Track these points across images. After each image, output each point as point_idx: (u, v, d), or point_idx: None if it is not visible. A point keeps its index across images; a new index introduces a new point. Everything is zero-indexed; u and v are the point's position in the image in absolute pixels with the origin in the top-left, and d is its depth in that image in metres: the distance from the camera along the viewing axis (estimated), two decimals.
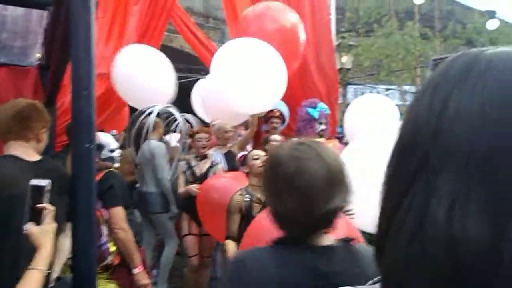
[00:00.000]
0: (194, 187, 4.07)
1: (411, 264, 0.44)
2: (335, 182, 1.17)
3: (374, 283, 0.60)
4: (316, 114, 4.64)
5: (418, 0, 8.98)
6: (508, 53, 0.48)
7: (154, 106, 4.64)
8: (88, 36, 1.74)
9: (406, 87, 13.90)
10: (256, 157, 3.21)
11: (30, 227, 1.55)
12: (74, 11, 1.73)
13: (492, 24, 10.26)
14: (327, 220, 1.18)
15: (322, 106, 4.79)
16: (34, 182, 1.63)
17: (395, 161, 0.51)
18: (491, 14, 10.24)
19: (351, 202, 1.21)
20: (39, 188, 1.61)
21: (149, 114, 4.60)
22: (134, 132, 4.66)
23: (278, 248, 1.19)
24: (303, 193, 1.15)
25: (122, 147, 4.55)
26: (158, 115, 4.74)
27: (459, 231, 0.41)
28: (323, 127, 4.71)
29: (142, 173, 4.52)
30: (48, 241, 1.56)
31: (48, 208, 1.60)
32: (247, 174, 3.28)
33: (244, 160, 3.35)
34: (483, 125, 0.43)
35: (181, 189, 4.28)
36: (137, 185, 4.69)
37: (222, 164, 4.41)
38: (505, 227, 0.40)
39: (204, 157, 4.41)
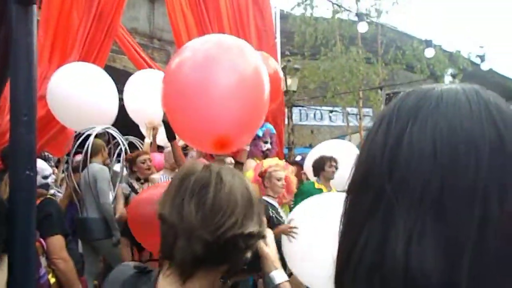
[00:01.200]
0: None
1: None
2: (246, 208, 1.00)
3: None
4: (260, 132, 4.53)
5: (362, 28, 9.40)
6: (456, 90, 0.49)
7: (92, 128, 4.44)
8: (30, 59, 1.66)
9: (349, 109, 14.31)
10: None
11: None
12: (14, 35, 1.65)
13: (429, 53, 10.87)
14: (220, 251, 0.96)
15: (267, 125, 4.72)
16: None
17: (352, 196, 0.51)
18: (429, 43, 10.81)
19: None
20: None
21: (88, 136, 4.39)
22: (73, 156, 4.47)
23: (139, 276, 1.09)
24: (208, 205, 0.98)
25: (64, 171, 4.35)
26: (98, 136, 4.53)
27: (416, 265, 0.42)
28: (268, 146, 4.63)
29: (82, 198, 4.33)
30: None
31: None
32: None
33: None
34: (435, 163, 0.44)
35: (118, 213, 4.12)
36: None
37: None
38: (460, 261, 0.41)
39: (146, 180, 4.31)
